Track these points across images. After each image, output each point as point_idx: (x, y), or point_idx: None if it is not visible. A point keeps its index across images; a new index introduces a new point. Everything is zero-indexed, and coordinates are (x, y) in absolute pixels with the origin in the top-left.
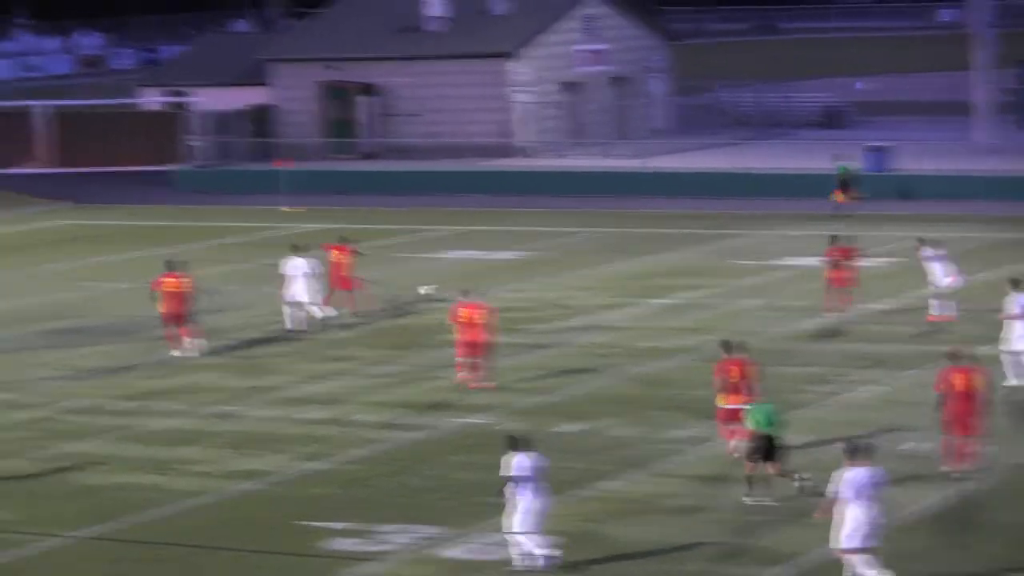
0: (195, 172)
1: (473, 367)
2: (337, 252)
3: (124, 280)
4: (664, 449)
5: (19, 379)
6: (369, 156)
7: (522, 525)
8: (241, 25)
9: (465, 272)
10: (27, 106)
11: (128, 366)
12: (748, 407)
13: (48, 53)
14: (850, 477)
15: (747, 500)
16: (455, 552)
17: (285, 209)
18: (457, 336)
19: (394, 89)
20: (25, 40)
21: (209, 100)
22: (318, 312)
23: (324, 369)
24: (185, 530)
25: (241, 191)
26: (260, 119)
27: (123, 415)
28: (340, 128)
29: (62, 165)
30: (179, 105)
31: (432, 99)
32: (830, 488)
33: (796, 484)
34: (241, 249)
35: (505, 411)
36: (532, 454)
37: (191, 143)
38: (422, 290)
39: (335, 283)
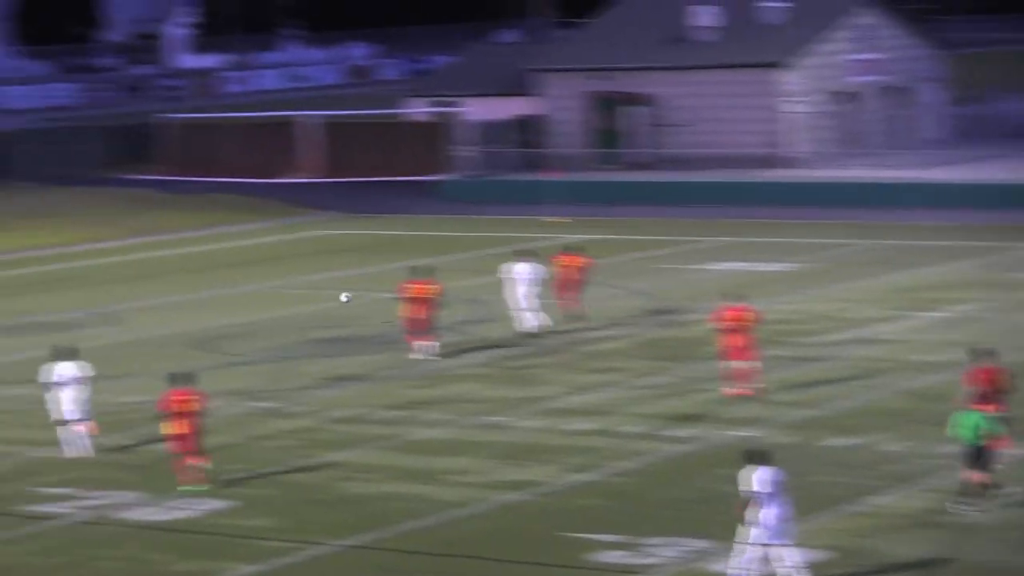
0: (460, 182)
1: (737, 373)
2: (566, 261)
3: (387, 290)
4: (935, 464)
5: (283, 388)
6: (635, 166)
7: (763, 538)
8: (508, 35)
9: (734, 284)
10: (295, 116)
11: (391, 376)
12: (955, 415)
13: (317, 64)
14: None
15: (948, 506)
16: (722, 566)
17: (547, 219)
18: (720, 341)
19: (662, 99)
20: (294, 51)
21: (475, 110)
22: (532, 320)
23: (589, 380)
24: (449, 541)
25: (506, 201)
26: (526, 129)
27: (387, 424)
28: (606, 139)
29: (329, 175)
30: (446, 115)
31: (700, 109)
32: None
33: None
34: (504, 259)
35: (773, 424)
36: (772, 468)
37: (457, 153)
38: (343, 297)
39: (561, 291)
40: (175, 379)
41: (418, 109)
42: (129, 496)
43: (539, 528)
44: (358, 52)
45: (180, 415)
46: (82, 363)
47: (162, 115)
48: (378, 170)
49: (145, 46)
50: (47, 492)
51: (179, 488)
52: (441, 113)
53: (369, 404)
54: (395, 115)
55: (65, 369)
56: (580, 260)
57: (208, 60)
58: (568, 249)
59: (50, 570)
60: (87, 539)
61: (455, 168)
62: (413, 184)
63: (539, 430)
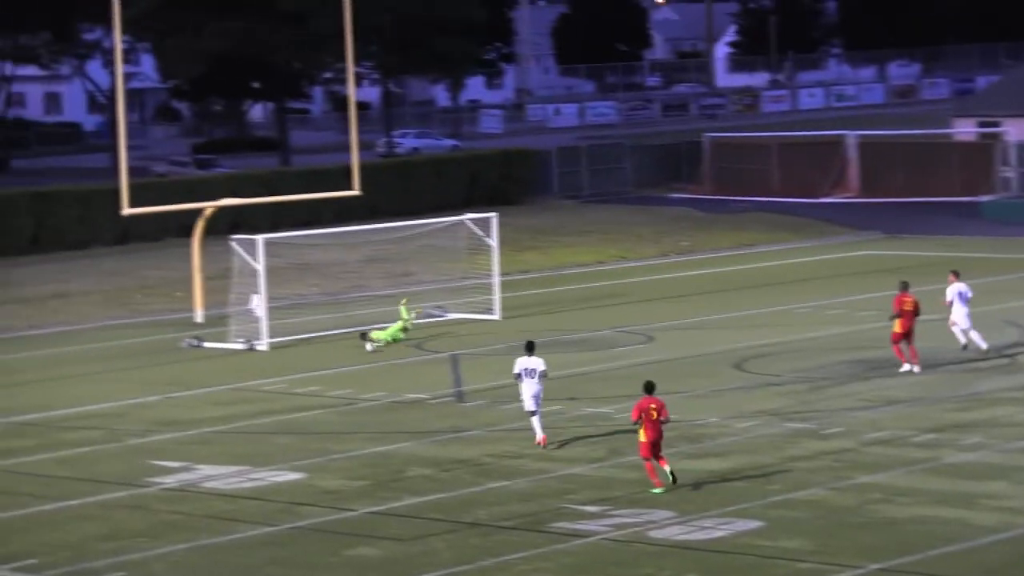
0: (1002, 203)
1: None
2: None
3: (930, 312)
4: None
5: (819, 409)
6: None
7: None
8: None
9: None
10: (837, 136)
11: (928, 398)
12: None
13: (859, 83)
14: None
15: None
16: None
17: None
18: None
19: None
20: (837, 69)
21: (1017, 131)
22: (980, 341)
23: None
24: (986, 566)
25: None
26: None
27: (924, 447)
28: None
29: (863, 195)
30: (992, 136)
31: None
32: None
33: None
34: None
35: None
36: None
37: (1004, 174)
38: (368, 347)
39: None
40: (647, 387)
41: (964, 129)
42: (659, 514)
43: None
44: (901, 71)
45: (648, 423)
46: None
47: (705, 134)
48: (914, 190)
49: (686, 65)
50: (578, 510)
51: (652, 491)
52: (986, 133)
53: (906, 426)
54: (940, 135)
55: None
56: None
57: (749, 79)
58: None
59: None
60: (616, 558)
61: (997, 189)
62: (956, 205)
63: None
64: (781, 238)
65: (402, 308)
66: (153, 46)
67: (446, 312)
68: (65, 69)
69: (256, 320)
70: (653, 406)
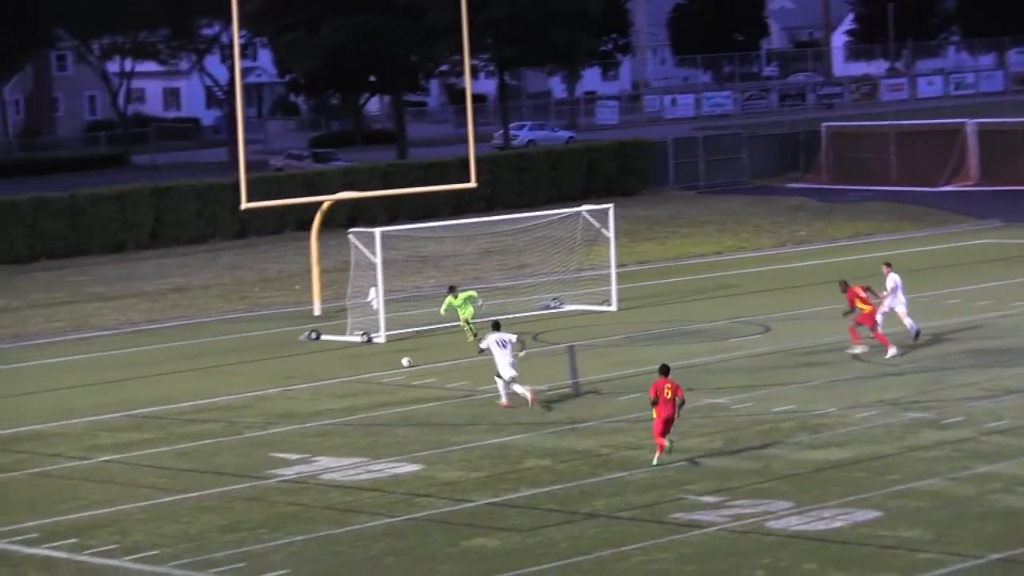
0: None
1: None
2: None
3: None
4: None
5: (939, 399)
6: None
7: None
8: None
9: None
10: (956, 123)
11: None
12: None
13: (978, 70)
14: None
15: None
16: None
17: None
18: None
19: None
20: (955, 57)
21: None
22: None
23: None
24: None
25: None
26: None
27: None
28: None
29: (982, 183)
30: None
31: None
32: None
33: None
34: None
35: None
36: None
37: None
38: (404, 362)
39: None
40: (662, 370)
41: None
42: (777, 505)
43: None
44: (1021, 58)
45: (662, 402)
46: None
47: (822, 123)
48: None
49: (803, 54)
50: (696, 500)
51: (652, 464)
52: None
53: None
54: None
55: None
56: None
57: (867, 67)
58: None
59: None
60: (735, 548)
61: None
62: None
63: None
64: (900, 227)
65: (455, 299)
66: (270, 41)
67: (563, 304)
68: (183, 64)
69: (374, 312)
70: (668, 386)
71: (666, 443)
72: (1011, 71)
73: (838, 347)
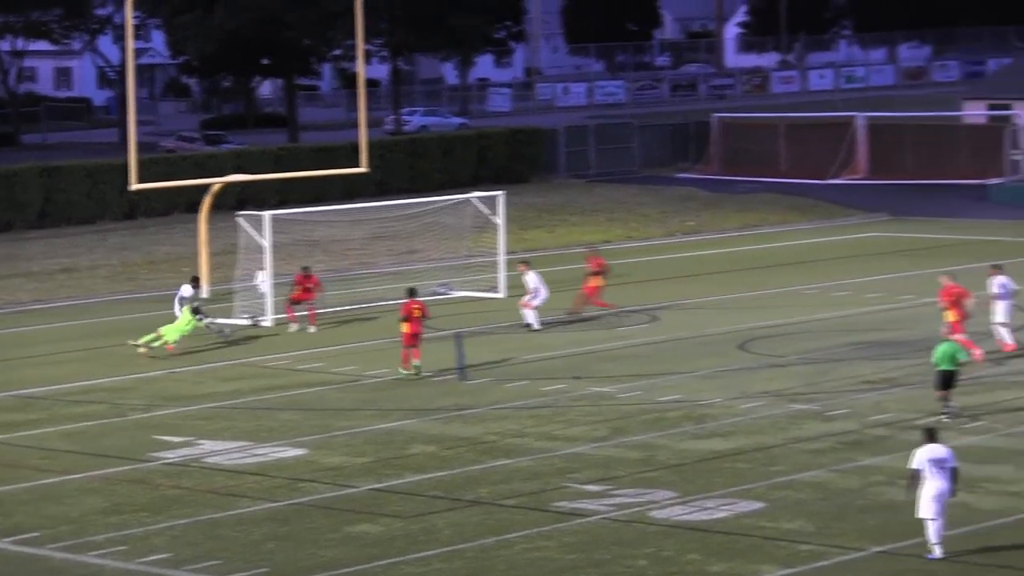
0: (1009, 186)
1: None
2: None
3: (935, 295)
4: None
5: (824, 391)
6: None
7: (924, 511)
8: None
9: None
10: (846, 117)
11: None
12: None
13: (869, 64)
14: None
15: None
16: None
17: None
18: None
19: None
20: (846, 51)
21: None
22: (1005, 335)
23: None
24: (986, 550)
25: None
26: None
27: None
28: None
29: (872, 177)
30: (1003, 119)
31: None
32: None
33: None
34: None
35: None
36: (935, 446)
37: (1012, 157)
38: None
39: None
40: (410, 292)
41: (973, 112)
42: (661, 495)
43: None
44: (912, 53)
45: (410, 319)
46: None
47: (713, 114)
48: (923, 173)
49: (695, 45)
50: (580, 489)
51: (399, 371)
52: (997, 116)
53: (910, 409)
54: (949, 118)
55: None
56: None
57: (759, 59)
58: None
59: (581, 566)
60: (618, 537)
61: (1006, 172)
62: (963, 188)
63: None
64: (788, 219)
65: (186, 310)
66: (164, 22)
67: (451, 290)
68: (76, 44)
69: (261, 296)
70: (416, 306)
71: (418, 362)
72: (902, 66)
73: (726, 338)
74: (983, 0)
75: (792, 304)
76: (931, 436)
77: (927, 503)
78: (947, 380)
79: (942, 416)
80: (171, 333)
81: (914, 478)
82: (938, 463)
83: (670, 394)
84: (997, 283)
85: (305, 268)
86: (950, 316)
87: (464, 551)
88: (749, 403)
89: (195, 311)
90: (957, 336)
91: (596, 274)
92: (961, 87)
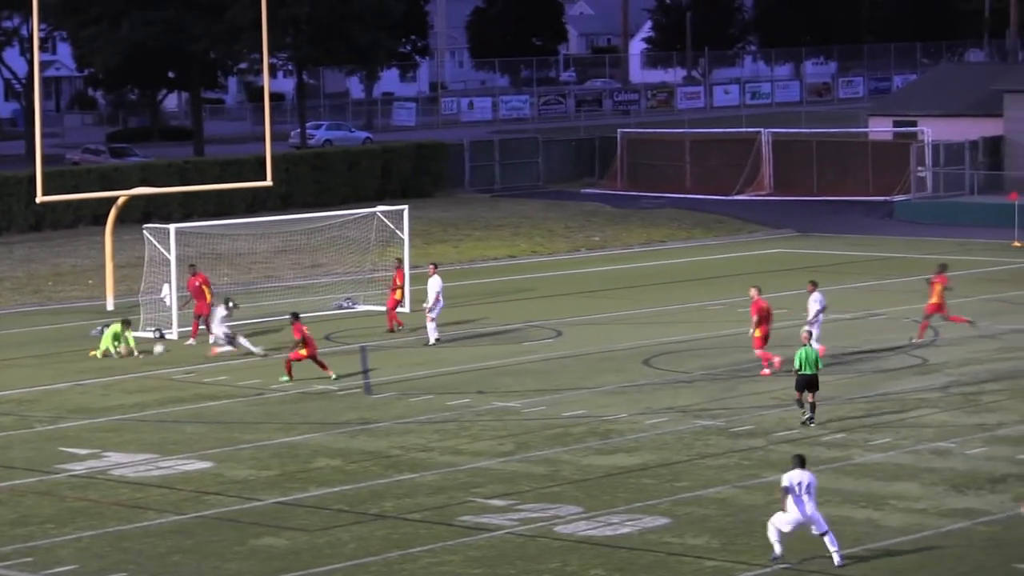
0: (915, 203)
1: None
2: (938, 282)
3: (847, 311)
4: None
5: (733, 407)
6: None
7: (780, 526)
8: (976, 55)
9: None
10: (751, 133)
11: (845, 397)
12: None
13: (775, 80)
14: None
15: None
16: None
17: (1017, 244)
18: None
19: None
20: (752, 67)
21: (938, 131)
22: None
23: None
24: (894, 567)
25: (963, 223)
26: (994, 151)
27: (835, 447)
28: None
29: (777, 193)
30: (908, 135)
31: None
32: None
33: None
34: (971, 284)
35: None
36: (800, 471)
37: (918, 174)
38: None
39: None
40: (294, 317)
41: (879, 128)
42: (566, 510)
43: (990, 559)
44: (817, 69)
45: (304, 343)
46: None
47: (619, 130)
48: (829, 189)
49: (601, 60)
50: (485, 503)
51: (280, 379)
52: (902, 133)
53: (816, 426)
54: (855, 134)
55: None
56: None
57: (664, 75)
58: (942, 269)
59: None
60: (522, 553)
61: (914, 189)
62: (864, 204)
63: (992, 459)
64: (693, 235)
65: (116, 326)
66: (70, 35)
67: (356, 304)
68: None
69: (167, 309)
70: (307, 331)
71: (331, 374)
72: (807, 82)
73: (631, 353)
74: (888, 17)
75: (697, 320)
76: (801, 462)
77: (786, 521)
78: (809, 383)
79: (808, 421)
80: (106, 341)
81: (785, 494)
82: (804, 488)
83: (575, 409)
84: (814, 299)
85: (192, 266)
86: (757, 332)
87: (369, 565)
88: (654, 419)
89: (126, 323)
90: (757, 351)
91: (400, 288)
92: (867, 103)
